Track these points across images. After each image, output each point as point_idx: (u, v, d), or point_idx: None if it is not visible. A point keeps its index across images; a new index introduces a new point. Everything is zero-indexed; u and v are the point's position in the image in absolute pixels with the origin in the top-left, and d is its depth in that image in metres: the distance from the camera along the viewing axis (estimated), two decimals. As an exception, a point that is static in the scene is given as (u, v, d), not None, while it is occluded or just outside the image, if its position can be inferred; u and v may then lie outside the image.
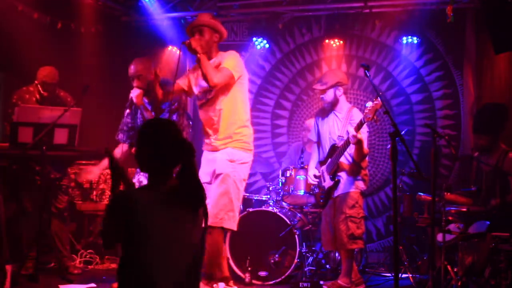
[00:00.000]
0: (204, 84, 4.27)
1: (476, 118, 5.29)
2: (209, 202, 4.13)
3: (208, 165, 4.35)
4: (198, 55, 4.07)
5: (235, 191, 4.22)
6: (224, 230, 4.25)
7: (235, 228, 4.27)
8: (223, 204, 4.16)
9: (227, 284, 4.31)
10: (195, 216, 2.45)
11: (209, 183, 4.30)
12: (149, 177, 2.50)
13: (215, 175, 4.25)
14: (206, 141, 4.39)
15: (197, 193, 2.42)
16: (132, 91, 4.52)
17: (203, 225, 2.52)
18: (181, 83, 4.47)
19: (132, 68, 4.56)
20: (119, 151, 4.64)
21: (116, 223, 2.35)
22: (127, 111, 4.64)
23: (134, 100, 4.48)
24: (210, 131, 4.32)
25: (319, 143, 5.03)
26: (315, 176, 4.94)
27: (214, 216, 4.13)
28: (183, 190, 2.39)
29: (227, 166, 4.18)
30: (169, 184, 2.44)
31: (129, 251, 2.35)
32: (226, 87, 4.21)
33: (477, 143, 5.10)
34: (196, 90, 4.41)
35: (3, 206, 4.46)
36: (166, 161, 2.44)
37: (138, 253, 2.33)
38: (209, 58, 4.26)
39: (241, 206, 5.56)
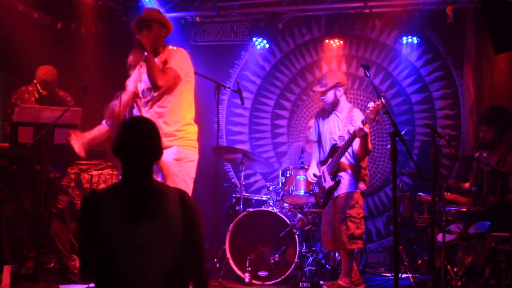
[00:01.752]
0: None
1: (487, 111, 5.35)
2: None
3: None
4: (146, 53, 3.94)
5: (185, 190, 4.02)
6: None
7: None
8: None
9: None
10: (172, 216, 2.39)
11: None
12: (123, 175, 2.43)
13: (163, 176, 4.08)
14: None
15: (142, 197, 2.37)
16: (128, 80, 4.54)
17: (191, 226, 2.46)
18: (132, 87, 4.30)
19: (130, 59, 4.73)
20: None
21: (90, 230, 2.27)
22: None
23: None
24: None
25: (319, 143, 5.03)
26: (314, 176, 4.94)
27: None
28: (132, 193, 2.36)
29: (173, 166, 3.98)
30: (144, 187, 2.40)
31: (101, 260, 2.26)
32: (172, 86, 4.05)
33: (482, 136, 5.11)
34: (140, 87, 4.22)
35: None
36: (137, 159, 2.39)
37: (112, 261, 2.26)
38: (157, 53, 4.13)
39: (241, 207, 5.58)
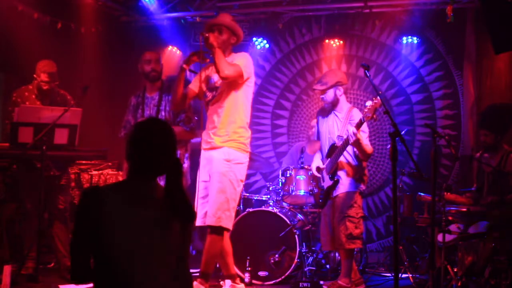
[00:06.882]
0: (212, 80, 4.34)
1: (485, 114, 5.32)
2: (208, 200, 4.21)
3: (206, 164, 4.30)
4: (214, 49, 4.11)
5: (231, 190, 4.17)
6: (223, 229, 4.19)
7: (230, 227, 4.24)
8: (220, 203, 4.12)
9: (233, 282, 4.34)
10: (172, 222, 2.36)
11: (208, 181, 4.27)
12: (128, 175, 2.39)
13: (212, 174, 4.23)
14: (205, 138, 4.35)
15: (185, 208, 2.35)
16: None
17: (183, 229, 2.43)
18: (193, 87, 4.44)
19: (147, 57, 4.96)
20: None
21: (85, 225, 2.23)
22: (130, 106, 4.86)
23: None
24: (210, 126, 4.30)
25: (319, 142, 5.04)
26: (319, 169, 4.91)
27: (212, 215, 4.12)
28: (172, 204, 2.32)
29: (223, 166, 4.15)
30: (149, 189, 2.36)
31: (100, 259, 2.24)
32: (232, 86, 4.22)
33: (482, 140, 5.09)
34: (204, 88, 4.39)
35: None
36: (146, 163, 2.34)
37: (110, 260, 2.23)
38: None
39: (241, 207, 5.59)
